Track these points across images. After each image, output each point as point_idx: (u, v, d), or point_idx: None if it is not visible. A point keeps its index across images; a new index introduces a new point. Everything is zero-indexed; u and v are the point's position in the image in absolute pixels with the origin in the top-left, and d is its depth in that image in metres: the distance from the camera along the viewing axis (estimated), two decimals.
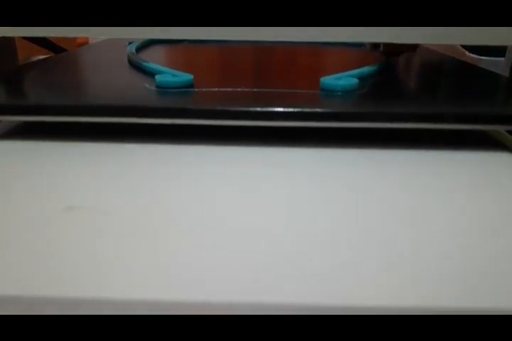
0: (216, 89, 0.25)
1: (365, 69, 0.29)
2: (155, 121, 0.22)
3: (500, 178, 0.20)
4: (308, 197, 0.17)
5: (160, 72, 0.27)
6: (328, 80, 0.25)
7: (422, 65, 0.37)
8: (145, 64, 0.30)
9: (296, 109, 0.21)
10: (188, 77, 0.26)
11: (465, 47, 0.43)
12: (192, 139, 0.23)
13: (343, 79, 0.26)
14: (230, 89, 0.25)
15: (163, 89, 0.25)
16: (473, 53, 0.42)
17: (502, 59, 0.39)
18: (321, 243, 0.14)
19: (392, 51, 0.38)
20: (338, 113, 0.22)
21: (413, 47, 0.39)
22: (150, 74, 0.28)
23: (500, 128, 0.23)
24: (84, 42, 0.61)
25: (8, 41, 0.32)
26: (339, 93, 0.25)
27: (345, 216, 0.16)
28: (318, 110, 0.22)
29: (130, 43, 0.40)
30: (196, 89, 0.25)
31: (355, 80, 0.26)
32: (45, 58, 0.36)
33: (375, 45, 0.44)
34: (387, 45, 0.39)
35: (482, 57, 0.42)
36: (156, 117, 0.22)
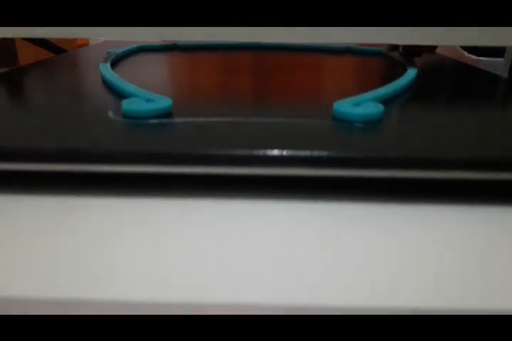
0: (200, 119, 0.19)
1: (391, 88, 0.23)
2: (113, 169, 0.16)
3: None
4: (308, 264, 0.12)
5: (131, 95, 0.21)
6: (343, 107, 0.19)
7: (453, 79, 0.30)
8: (114, 82, 0.24)
9: (302, 153, 0.16)
10: (165, 102, 0.20)
11: (464, 47, 0.43)
12: (164, 190, 0.17)
13: (364, 105, 0.20)
14: (218, 119, 0.19)
15: (130, 119, 0.19)
16: (472, 54, 0.42)
17: (501, 59, 0.39)
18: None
19: (411, 52, 0.36)
20: (357, 158, 0.16)
21: (432, 48, 0.37)
22: (120, 95, 0.22)
23: None
24: (85, 44, 0.61)
25: (9, 42, 0.32)
26: (359, 125, 0.19)
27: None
28: (330, 154, 0.16)
29: (108, 52, 0.35)
30: (175, 120, 0.19)
31: (380, 107, 0.20)
32: (5, 71, 0.30)
33: (394, 47, 0.41)
34: (406, 46, 0.37)
35: (481, 58, 0.42)
36: (116, 163, 0.16)
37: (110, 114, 0.19)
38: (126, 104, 0.19)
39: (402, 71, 0.29)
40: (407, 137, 0.17)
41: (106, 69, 0.27)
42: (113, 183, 0.17)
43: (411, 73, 0.27)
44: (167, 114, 0.19)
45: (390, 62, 0.36)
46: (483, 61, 0.41)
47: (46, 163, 0.16)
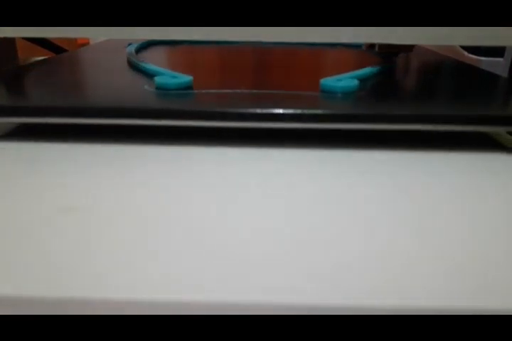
0: (215, 90, 0.25)
1: (366, 71, 0.29)
2: (154, 123, 0.22)
3: (498, 179, 0.19)
4: (307, 197, 0.17)
5: (159, 74, 0.27)
6: (328, 82, 0.25)
7: (421, 66, 0.37)
8: (144, 65, 0.30)
9: (295, 111, 0.21)
10: (187, 78, 0.25)
11: (464, 47, 0.43)
12: (191, 141, 0.23)
13: (344, 81, 0.25)
14: (229, 91, 0.25)
15: (162, 90, 0.24)
16: (472, 54, 0.42)
17: (501, 59, 0.39)
18: (320, 242, 0.14)
19: (388, 51, 0.38)
20: (338, 115, 0.21)
21: (409, 48, 0.38)
22: (149, 75, 0.28)
23: (501, 130, 0.23)
24: (85, 43, 0.61)
25: (9, 42, 0.32)
26: (339, 95, 0.24)
27: (345, 216, 0.16)
28: (318, 112, 0.21)
29: (129, 44, 0.40)
30: (195, 91, 0.25)
31: (356, 81, 0.25)
32: (45, 59, 0.36)
33: (371, 46, 0.43)
34: (382, 45, 0.38)
35: (481, 58, 0.42)
36: (154, 119, 0.22)
37: (146, 87, 0.25)
38: (158, 79, 0.25)
39: (377, 61, 0.35)
40: (374, 101, 0.24)
41: (134, 56, 0.33)
42: (152, 135, 0.23)
43: (384, 63, 0.33)
44: (189, 86, 0.25)
45: (369, 55, 0.42)
46: (484, 61, 0.41)
47: (107, 118, 0.22)
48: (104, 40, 0.49)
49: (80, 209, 0.16)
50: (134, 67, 0.31)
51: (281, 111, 0.21)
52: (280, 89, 0.26)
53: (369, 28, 0.23)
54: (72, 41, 0.57)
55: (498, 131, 0.24)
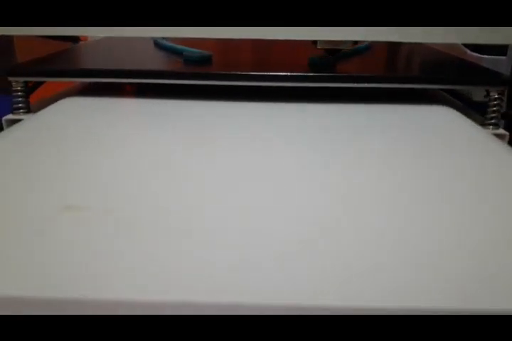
0: (230, 63, 0.33)
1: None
2: (185, 82, 0.28)
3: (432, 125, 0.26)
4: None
5: (186, 51, 0.33)
6: (315, 59, 0.32)
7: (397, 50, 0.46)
8: (171, 45, 0.36)
9: (290, 73, 0.28)
10: (208, 53, 0.31)
11: (466, 45, 0.43)
12: (211, 96, 0.29)
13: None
14: (240, 63, 0.33)
15: (189, 62, 0.31)
16: (474, 52, 0.42)
17: (503, 58, 0.39)
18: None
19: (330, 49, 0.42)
20: (321, 76, 0.28)
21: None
22: (176, 53, 0.34)
23: (437, 88, 0.32)
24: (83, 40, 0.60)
25: (7, 41, 0.31)
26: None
27: (314, 156, 0.20)
28: (305, 74, 0.28)
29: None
30: (215, 62, 0.31)
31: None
32: (84, 42, 0.43)
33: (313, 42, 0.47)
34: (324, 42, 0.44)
35: (484, 56, 0.41)
36: (185, 79, 0.28)
37: (174, 59, 0.33)
38: (186, 54, 0.31)
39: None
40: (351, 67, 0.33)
41: (162, 41, 0.39)
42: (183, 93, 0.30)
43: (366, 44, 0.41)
44: (209, 59, 0.31)
45: None
46: (486, 59, 0.41)
47: (151, 79, 0.28)
48: (104, 37, 0.49)
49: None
50: (161, 47, 0.38)
51: (278, 73, 0.27)
52: (277, 63, 0.33)
53: (370, 28, 0.23)
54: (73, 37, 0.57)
55: (435, 88, 0.33)
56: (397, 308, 0.11)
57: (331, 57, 0.32)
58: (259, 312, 0.11)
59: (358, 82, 0.29)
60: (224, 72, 0.28)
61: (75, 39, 0.43)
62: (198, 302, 0.11)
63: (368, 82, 0.29)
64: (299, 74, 0.28)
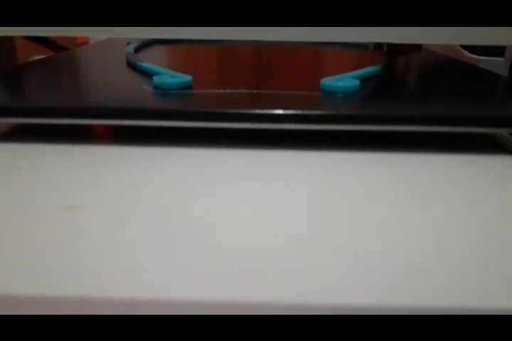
0: (215, 90, 0.24)
1: (367, 71, 0.29)
2: (152, 124, 0.21)
3: (500, 182, 0.19)
4: (306, 201, 0.17)
5: (158, 73, 0.26)
6: (329, 82, 0.25)
7: (424, 66, 0.36)
8: (143, 64, 0.29)
9: (295, 111, 0.21)
10: (186, 78, 0.25)
11: (464, 47, 0.43)
12: (189, 142, 0.22)
13: (344, 81, 0.25)
14: (228, 91, 0.24)
15: (160, 90, 0.24)
16: (472, 53, 0.42)
17: (501, 59, 0.39)
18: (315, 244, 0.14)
19: (395, 51, 0.37)
20: (338, 115, 0.21)
21: (417, 47, 0.38)
22: (148, 75, 0.27)
23: (503, 131, 0.22)
24: (85, 42, 0.60)
25: (8, 40, 0.32)
26: (340, 95, 0.24)
27: (347, 218, 0.15)
28: (318, 112, 0.21)
29: (129, 43, 0.39)
30: (195, 91, 0.24)
31: (357, 82, 0.25)
32: (43, 58, 0.35)
33: (379, 45, 0.43)
34: (390, 45, 0.38)
35: (481, 57, 0.41)
36: (153, 119, 0.21)
37: (144, 86, 0.25)
38: (156, 79, 0.24)
39: (378, 61, 0.34)
40: (375, 101, 0.23)
41: (133, 56, 0.33)
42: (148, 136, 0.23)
43: (385, 62, 0.32)
44: (188, 86, 0.24)
45: (372, 55, 0.41)
46: (484, 60, 0.41)
47: (105, 118, 0.21)
48: (104, 39, 0.49)
49: (78, 209, 0.16)
50: (132, 66, 0.31)
51: (280, 111, 0.21)
52: (280, 89, 0.25)
53: (370, 28, 0.23)
54: (71, 40, 0.57)
55: (500, 132, 0.23)
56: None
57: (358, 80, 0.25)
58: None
59: (397, 124, 0.21)
60: (201, 110, 0.21)
61: (56, 47, 0.41)
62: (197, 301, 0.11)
63: (412, 124, 0.21)
64: (308, 112, 0.21)
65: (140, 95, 0.23)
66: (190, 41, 0.45)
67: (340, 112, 0.21)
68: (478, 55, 0.42)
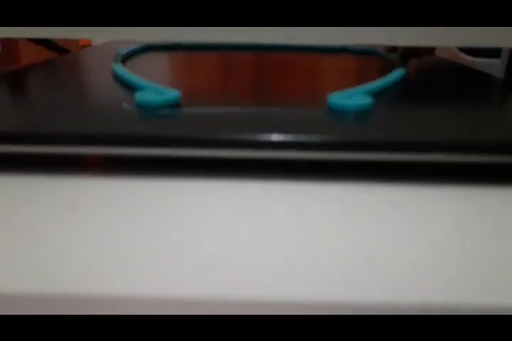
0: (206, 108, 0.21)
1: (380, 83, 0.25)
2: (131, 152, 0.18)
3: None
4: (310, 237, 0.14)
5: (142, 88, 0.23)
6: (337, 99, 0.21)
7: (440, 76, 0.32)
8: (126, 76, 0.26)
9: (297, 138, 0.17)
10: (173, 94, 0.21)
11: (460, 49, 0.43)
12: (175, 171, 0.19)
13: (355, 97, 0.22)
14: (222, 110, 0.21)
15: (143, 108, 0.21)
16: (468, 55, 0.42)
17: (497, 60, 0.39)
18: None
19: (409, 54, 0.35)
20: (349, 142, 0.17)
21: (431, 50, 0.37)
22: (132, 88, 0.24)
23: None
24: (87, 45, 0.61)
25: (11, 43, 0.32)
26: (350, 114, 0.20)
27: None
28: (325, 139, 0.17)
29: (119, 50, 0.37)
30: (183, 109, 0.21)
31: (369, 98, 0.22)
32: (21, 68, 0.31)
33: (393, 48, 0.41)
34: (405, 48, 0.36)
35: (477, 59, 0.42)
36: (132, 146, 0.17)
37: (124, 105, 0.21)
38: (139, 96, 0.21)
39: (392, 69, 0.30)
40: (393, 123, 0.19)
41: (118, 66, 0.29)
42: (130, 165, 0.19)
43: (399, 71, 0.29)
44: (176, 103, 0.21)
45: (382, 61, 0.38)
46: (480, 62, 0.41)
47: (74, 146, 0.18)
48: (103, 43, 0.47)
49: None
50: (116, 78, 0.27)
51: (281, 137, 0.17)
52: (281, 105, 0.22)
53: (368, 28, 0.23)
54: (73, 42, 0.57)
55: None
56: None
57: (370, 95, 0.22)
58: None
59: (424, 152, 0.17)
60: (185, 136, 0.17)
61: (58, 48, 0.41)
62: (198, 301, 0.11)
63: (439, 152, 0.17)
64: (314, 138, 0.17)
65: (117, 116, 0.20)
66: (186, 47, 0.43)
67: (351, 138, 0.18)
68: (474, 56, 0.42)
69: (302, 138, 0.17)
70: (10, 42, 0.33)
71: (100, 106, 0.21)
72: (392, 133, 0.18)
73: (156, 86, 0.23)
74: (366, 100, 0.21)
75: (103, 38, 0.25)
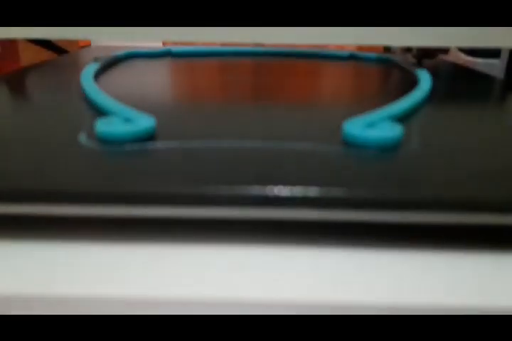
0: (188, 143, 0.16)
1: (407, 103, 0.19)
2: (80, 212, 0.12)
3: None
4: None
5: (109, 112, 0.18)
6: (355, 129, 0.16)
7: (465, 87, 0.25)
8: (93, 96, 0.21)
9: (305, 193, 0.12)
10: (147, 122, 0.16)
11: (460, 49, 0.43)
12: (144, 237, 0.13)
13: (379, 126, 0.16)
14: (211, 145, 0.16)
15: (105, 143, 0.15)
16: (469, 55, 0.42)
17: (497, 61, 0.39)
18: None
19: (425, 54, 0.34)
20: (377, 200, 0.12)
21: (445, 51, 0.36)
22: (98, 111, 0.19)
23: None
24: (87, 44, 0.61)
25: (10, 43, 0.32)
26: (374, 152, 0.15)
27: None
28: (341, 195, 0.12)
29: (96, 59, 0.31)
30: (158, 145, 0.15)
31: (398, 128, 0.16)
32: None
33: (408, 49, 0.40)
34: (420, 48, 0.35)
35: (478, 60, 0.42)
36: (82, 205, 0.12)
37: (82, 137, 0.16)
38: (101, 125, 0.16)
39: (413, 79, 0.25)
40: (437, 169, 0.13)
41: (87, 80, 0.23)
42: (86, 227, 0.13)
43: (425, 83, 0.23)
44: (149, 136, 0.16)
45: (398, 69, 0.32)
46: (480, 62, 0.41)
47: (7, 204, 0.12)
48: (95, 46, 0.46)
49: None
50: (89, 102, 0.21)
51: (282, 192, 0.12)
52: (282, 138, 0.16)
53: (366, 28, 0.23)
54: (73, 42, 0.57)
55: None
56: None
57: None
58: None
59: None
60: (161, 191, 0.12)
61: (57, 49, 0.41)
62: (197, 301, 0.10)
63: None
64: (327, 194, 0.12)
65: (66, 157, 0.14)
66: (175, 55, 0.38)
67: (379, 194, 0.12)
68: (475, 57, 0.42)
69: (310, 193, 0.12)
70: (9, 43, 0.33)
71: (49, 140, 0.16)
72: (435, 186, 0.12)
73: (126, 110, 0.18)
74: (394, 131, 0.15)
75: (103, 38, 0.24)
